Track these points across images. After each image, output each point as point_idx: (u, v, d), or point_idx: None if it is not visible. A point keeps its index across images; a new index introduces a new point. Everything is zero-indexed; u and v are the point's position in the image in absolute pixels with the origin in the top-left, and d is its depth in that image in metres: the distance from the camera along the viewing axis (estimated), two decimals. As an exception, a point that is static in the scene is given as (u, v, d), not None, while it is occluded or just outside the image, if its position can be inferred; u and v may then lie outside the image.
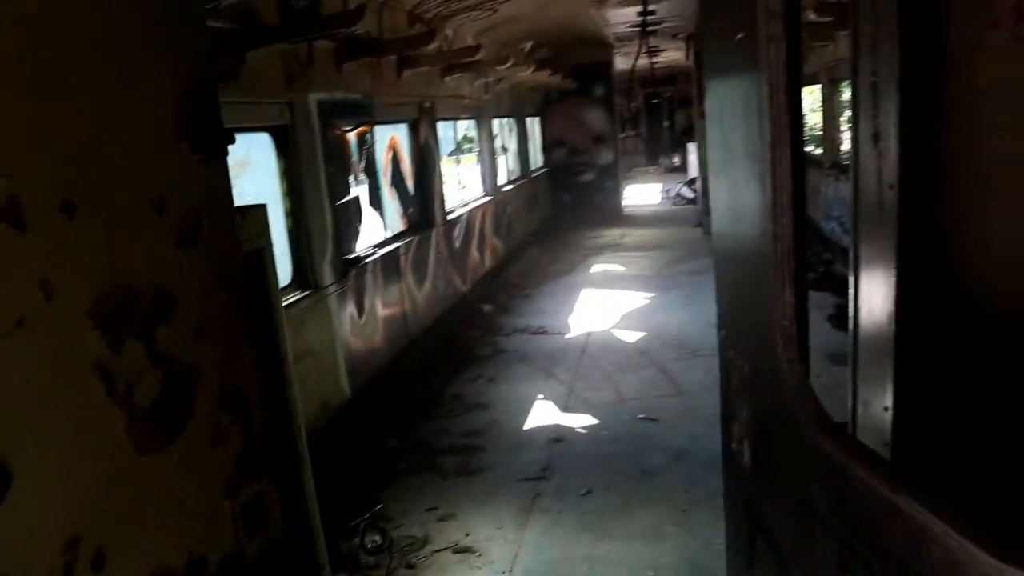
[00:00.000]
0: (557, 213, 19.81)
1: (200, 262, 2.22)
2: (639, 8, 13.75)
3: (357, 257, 7.91)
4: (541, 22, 13.65)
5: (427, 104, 10.15)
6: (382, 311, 8.33)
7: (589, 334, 10.21)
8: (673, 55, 24.67)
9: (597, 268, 14.45)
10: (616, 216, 20.05)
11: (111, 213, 1.88)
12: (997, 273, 2.81)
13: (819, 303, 10.67)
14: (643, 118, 37.27)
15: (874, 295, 2.77)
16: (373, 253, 8.30)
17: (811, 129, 16.57)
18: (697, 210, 20.57)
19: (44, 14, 1.73)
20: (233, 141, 2.43)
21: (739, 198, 2.49)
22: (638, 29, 16.79)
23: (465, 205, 12.19)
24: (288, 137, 6.52)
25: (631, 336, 9.98)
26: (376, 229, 8.66)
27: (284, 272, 6.57)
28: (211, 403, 2.20)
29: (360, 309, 7.82)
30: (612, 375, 8.62)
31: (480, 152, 13.39)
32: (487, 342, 10.18)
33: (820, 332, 9.34)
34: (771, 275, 2.10)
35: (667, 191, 24.78)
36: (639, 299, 11.83)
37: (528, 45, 15.61)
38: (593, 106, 19.68)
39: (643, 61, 25.82)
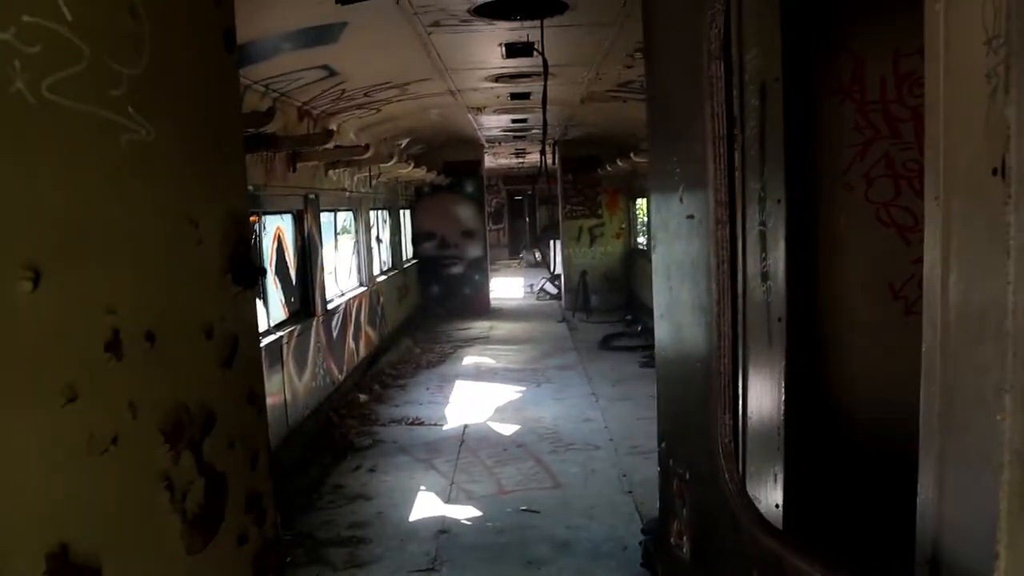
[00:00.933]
0: (427, 304, 20.09)
1: (235, 381, 2.42)
2: (513, 116, 14.57)
3: (242, 346, 7.86)
4: (420, 122, 14.20)
5: (312, 196, 10.32)
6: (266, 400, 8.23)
7: (466, 426, 10.40)
8: (536, 157, 25.94)
9: (468, 360, 14.73)
10: (484, 309, 20.53)
11: (178, 340, 2.08)
12: (858, 399, 3.33)
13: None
14: (506, 213, 38.55)
15: (764, 410, 3.19)
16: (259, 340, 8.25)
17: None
18: (560, 306, 21.41)
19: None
20: (265, 273, 2.70)
21: (684, 338, 2.87)
22: (509, 133, 17.70)
23: (343, 295, 12.28)
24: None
25: (507, 429, 10.25)
26: (260, 317, 8.63)
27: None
28: (238, 507, 2.36)
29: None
30: (492, 467, 8.82)
31: (357, 243, 13.58)
32: (365, 432, 10.18)
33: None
34: (712, 402, 2.44)
35: (531, 286, 25.62)
36: (511, 392, 12.16)
37: (404, 141, 16.12)
38: (463, 201, 20.33)
39: (513, 160, 27.03)
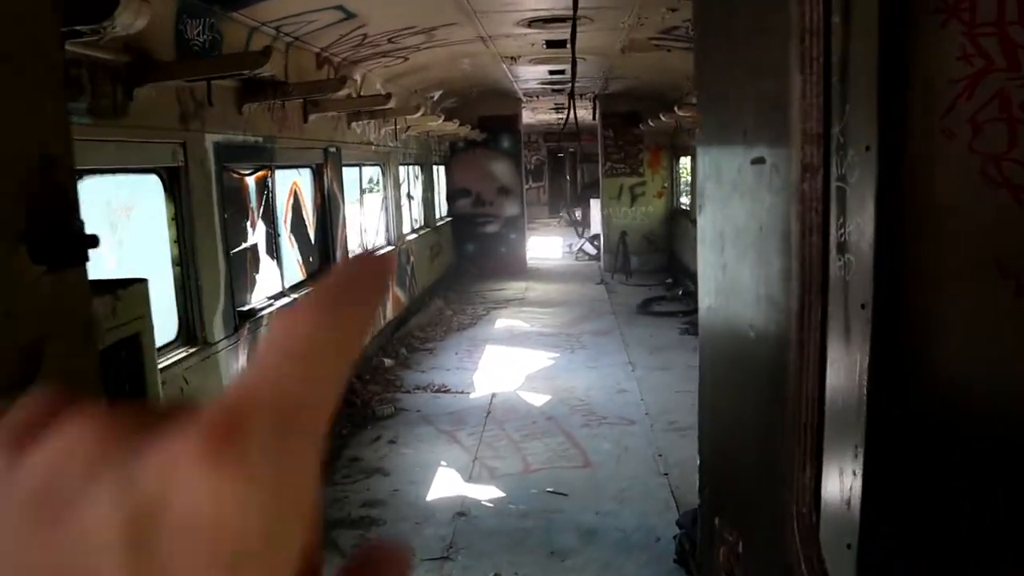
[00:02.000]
0: (460, 263, 19.52)
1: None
2: (549, 67, 13.75)
3: (252, 310, 7.36)
4: (451, 73, 13.47)
5: (332, 149, 9.72)
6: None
7: (494, 395, 9.84)
8: (578, 113, 25.01)
9: (501, 323, 14.15)
10: (520, 269, 19.90)
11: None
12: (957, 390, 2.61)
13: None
14: (546, 171, 37.70)
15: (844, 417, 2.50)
16: (270, 305, 7.75)
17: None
18: (599, 267, 20.69)
19: None
20: (96, 244, 1.89)
21: (743, 342, 2.15)
22: (547, 86, 16.87)
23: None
24: (180, 180, 5.98)
25: (537, 399, 9.67)
26: (274, 279, 8.11)
27: (170, 327, 5.99)
28: None
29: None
30: (518, 442, 8.26)
31: (385, 200, 12.99)
32: (388, 399, 9.68)
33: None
34: (786, 448, 1.75)
35: (570, 246, 24.89)
36: (544, 359, 11.57)
37: (437, 94, 15.41)
38: (500, 158, 19.61)
39: (553, 116, 26.15)
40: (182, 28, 5.90)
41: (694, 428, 9.06)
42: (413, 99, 13.85)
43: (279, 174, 8.24)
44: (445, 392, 10.07)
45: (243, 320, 7.01)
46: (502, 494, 7.02)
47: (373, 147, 11.84)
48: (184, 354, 5.92)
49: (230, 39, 6.61)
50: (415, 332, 13.04)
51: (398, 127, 12.77)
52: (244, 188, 7.48)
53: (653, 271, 19.39)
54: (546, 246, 25.96)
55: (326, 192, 9.52)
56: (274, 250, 8.08)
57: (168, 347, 5.84)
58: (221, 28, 6.46)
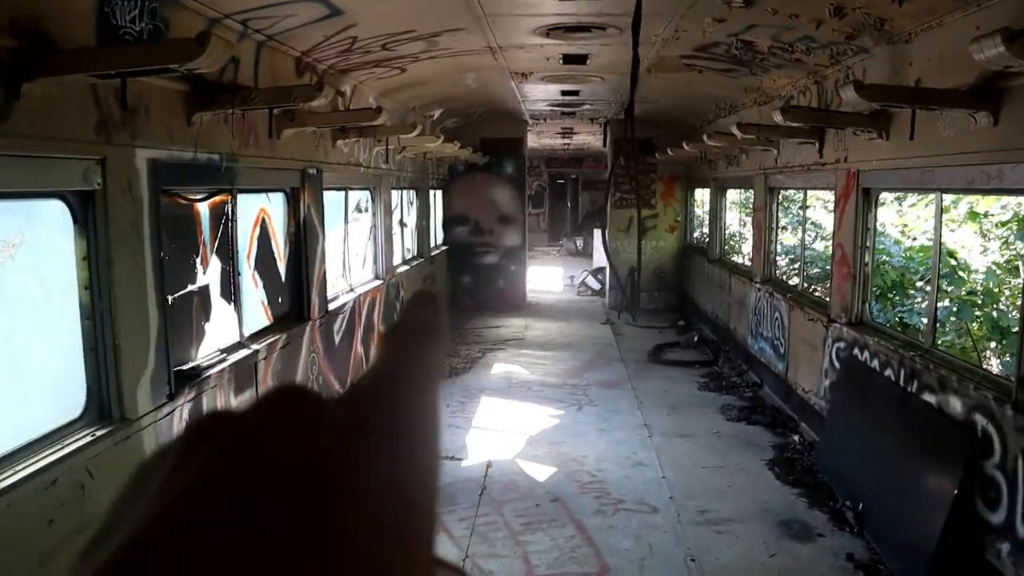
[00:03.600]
0: (456, 296, 18.12)
1: None
2: (563, 86, 12.43)
3: (196, 368, 5.93)
4: (454, 89, 12.14)
5: (312, 171, 8.33)
6: (226, 435, 6.32)
7: (490, 464, 8.40)
8: (584, 138, 23.77)
9: (499, 368, 12.72)
10: (519, 304, 18.50)
11: None
12: None
13: (751, 440, 9.25)
14: (547, 197, 36.43)
15: None
16: (222, 359, 6.32)
17: (735, 237, 15.62)
18: (604, 304, 19.29)
19: None
20: None
21: None
22: (556, 109, 15.57)
23: (351, 290, 10.31)
24: (96, 207, 4.57)
25: (540, 472, 8.24)
26: (230, 327, 6.69)
27: (74, 401, 4.57)
28: None
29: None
30: (519, 533, 6.80)
31: (374, 228, 11.59)
32: (363, 467, 8.22)
33: (760, 484, 7.86)
34: None
35: (571, 278, 23.50)
36: (547, 417, 10.14)
37: (437, 112, 14.08)
38: (502, 183, 18.27)
39: (558, 141, 24.88)
40: (108, 11, 4.52)
41: (731, 520, 7.70)
42: (411, 116, 12.51)
43: (243, 200, 6.84)
44: (433, 457, 8.61)
45: (182, 383, 5.58)
46: (499, 615, 5.57)
47: (362, 169, 10.46)
48: (89, 438, 4.48)
49: (180, 31, 5.22)
50: (402, 378, 11.58)
51: (391, 147, 11.40)
52: (193, 217, 6.07)
53: (663, 310, 18.02)
54: (546, 277, 24.56)
55: (302, 220, 8.12)
56: (231, 292, 6.65)
57: (66, 430, 4.40)
58: (167, 16, 5.08)
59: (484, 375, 12.32)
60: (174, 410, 5.41)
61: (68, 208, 4.47)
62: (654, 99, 13.99)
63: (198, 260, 6.15)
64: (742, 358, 12.58)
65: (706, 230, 17.95)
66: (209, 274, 6.30)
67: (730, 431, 9.57)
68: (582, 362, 13.22)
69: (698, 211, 18.45)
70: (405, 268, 13.45)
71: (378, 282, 11.47)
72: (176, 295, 5.72)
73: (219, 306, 6.47)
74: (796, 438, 9.16)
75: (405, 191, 13.95)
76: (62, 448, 4.24)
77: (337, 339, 9.36)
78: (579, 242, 32.69)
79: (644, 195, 18.41)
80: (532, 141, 24.47)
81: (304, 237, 8.17)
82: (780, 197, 11.63)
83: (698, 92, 12.36)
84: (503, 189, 18.29)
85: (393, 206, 12.82)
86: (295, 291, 8.17)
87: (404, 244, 13.87)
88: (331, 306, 9.16)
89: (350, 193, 10.39)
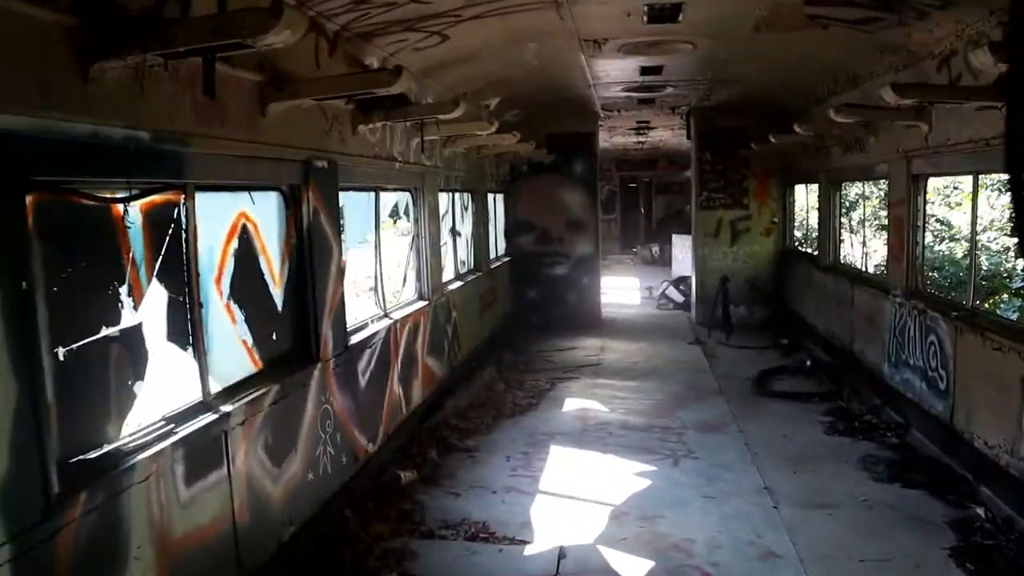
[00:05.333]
0: (521, 314, 15.97)
1: None
2: (642, 59, 10.19)
3: (109, 456, 3.91)
4: (510, 68, 10.02)
5: (321, 163, 6.31)
6: (177, 536, 4.30)
7: (562, 553, 6.21)
8: (661, 134, 21.40)
9: (570, 405, 10.51)
10: (593, 321, 16.26)
11: None
12: None
13: (916, 512, 6.86)
14: (618, 202, 34.06)
15: None
16: (165, 433, 4.30)
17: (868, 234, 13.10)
18: (689, 319, 16.90)
19: None
20: None
21: None
22: (633, 95, 13.31)
23: (384, 316, 8.25)
24: None
25: (631, 567, 6.00)
26: (187, 381, 4.67)
27: None
28: None
29: (120, 546, 3.82)
30: None
31: (417, 238, 9.54)
32: (395, 554, 6.14)
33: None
34: None
35: (649, 289, 21.12)
36: (633, 476, 7.89)
37: (493, 101, 11.98)
38: (571, 186, 16.07)
39: (631, 139, 22.57)
40: None
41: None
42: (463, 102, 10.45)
43: (207, 201, 4.81)
44: (486, 539, 6.48)
45: (77, 483, 3.57)
46: None
47: (397, 165, 8.42)
48: None
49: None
50: (452, 420, 9.47)
51: (436, 138, 9.37)
52: (111, 225, 4.06)
53: (759, 326, 15.55)
54: (621, 289, 22.27)
55: (306, 229, 6.09)
56: (187, 331, 4.63)
57: None
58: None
59: (554, 414, 10.12)
60: (56, 533, 3.39)
61: None
62: (747, 77, 11.64)
63: (122, 289, 4.13)
64: (873, 390, 10.09)
65: (809, 232, 15.44)
66: (145, 309, 4.28)
67: (883, 497, 7.16)
68: (672, 395, 10.91)
69: (798, 211, 15.94)
70: (458, 284, 11.37)
71: (422, 303, 9.40)
72: (75, 345, 3.71)
73: (163, 354, 4.44)
74: (980, 511, 6.70)
75: (458, 194, 11.90)
76: None
77: (364, 380, 7.30)
78: (655, 249, 30.24)
79: (735, 193, 15.98)
80: (603, 140, 22.25)
81: (310, 251, 6.13)
82: (927, 187, 9.13)
83: (810, 61, 9.98)
84: (572, 192, 16.08)
85: (442, 211, 10.78)
86: (298, 323, 6.13)
87: (457, 256, 11.81)
88: (354, 339, 7.11)
89: (382, 194, 8.33)
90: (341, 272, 6.76)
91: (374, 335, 7.61)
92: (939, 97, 6.99)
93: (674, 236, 23.67)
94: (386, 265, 8.56)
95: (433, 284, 9.75)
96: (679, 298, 18.94)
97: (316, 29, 6.14)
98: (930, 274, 9.83)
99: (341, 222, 6.77)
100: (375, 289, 8.27)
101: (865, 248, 14.25)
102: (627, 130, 19.95)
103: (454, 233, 11.61)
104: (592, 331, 15.60)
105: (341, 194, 6.89)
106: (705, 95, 13.59)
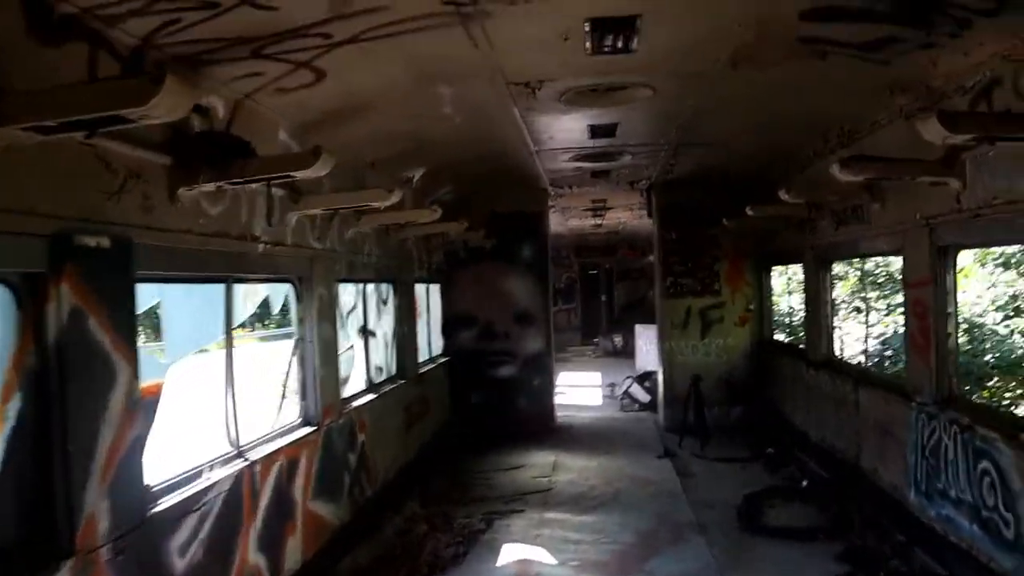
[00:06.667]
0: (462, 423, 13.59)
1: None
2: (592, 114, 8.25)
3: None
4: (424, 126, 8.01)
5: (93, 241, 4.09)
6: None
7: None
8: (619, 216, 19.59)
9: (508, 556, 8.11)
10: (546, 429, 13.93)
11: None
12: None
13: None
14: (578, 290, 32.16)
15: None
16: None
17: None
18: (656, 424, 14.64)
19: None
20: None
21: None
22: (585, 165, 11.40)
23: (237, 457, 5.90)
24: None
25: None
26: None
27: None
28: None
29: None
30: None
31: (302, 344, 7.27)
32: None
33: None
34: None
35: (612, 387, 18.88)
36: None
37: (416, 173, 9.94)
38: (517, 273, 13.98)
39: (588, 221, 20.73)
40: None
41: None
42: (370, 175, 8.38)
43: None
44: None
45: None
46: None
47: (262, 247, 6.20)
48: None
49: None
50: (347, 588, 7.03)
51: (331, 212, 7.24)
52: None
53: (737, 430, 13.38)
54: (581, 387, 20.03)
55: (52, 344, 3.81)
56: None
57: None
58: None
59: (486, 569, 7.70)
60: None
61: None
62: (717, 137, 9.78)
63: None
64: (896, 523, 7.87)
65: (791, 320, 13.46)
66: None
67: None
68: (639, 535, 8.55)
69: (777, 297, 14.00)
70: (370, 398, 9.04)
71: (307, 430, 7.06)
72: None
73: None
74: None
75: (372, 284, 9.71)
76: None
77: (183, 563, 4.90)
78: (617, 340, 28.17)
79: (705, 278, 14.00)
80: (558, 224, 20.43)
81: (61, 376, 3.85)
82: (956, 263, 7.12)
83: (796, 113, 8.13)
84: (520, 280, 13.99)
85: (348, 307, 8.58)
86: (32, 493, 3.79)
87: (370, 362, 9.51)
88: (164, 503, 4.75)
89: (235, 286, 6.08)
90: (136, 403, 4.45)
91: (207, 489, 5.24)
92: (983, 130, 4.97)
93: (637, 327, 21.66)
94: (250, 381, 6.26)
95: (326, 403, 7.43)
96: (644, 397, 16.71)
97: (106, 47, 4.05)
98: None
99: (134, 326, 4.50)
100: (228, 418, 5.93)
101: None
102: (582, 211, 18.10)
103: (366, 333, 9.35)
104: (544, 442, 13.25)
105: (159, 287, 4.67)
106: (668, 166, 11.71)
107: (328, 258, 7.65)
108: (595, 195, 15.09)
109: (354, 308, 9.08)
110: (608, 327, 30.34)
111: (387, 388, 9.80)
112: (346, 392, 8.47)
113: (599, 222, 20.65)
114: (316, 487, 7.14)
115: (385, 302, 10.30)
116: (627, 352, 24.61)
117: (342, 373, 8.31)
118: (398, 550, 8.05)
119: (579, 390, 19.64)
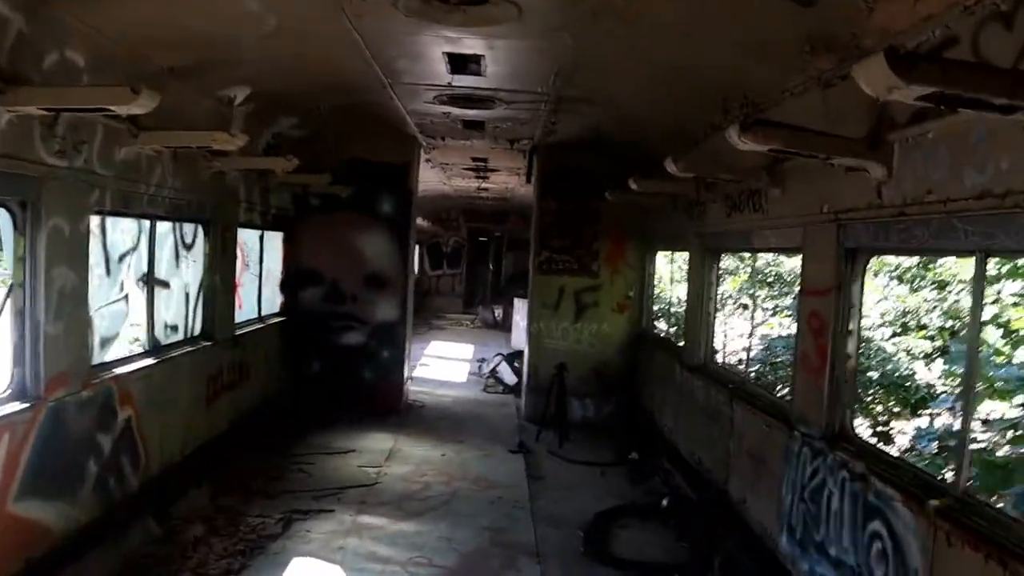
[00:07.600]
0: (296, 395, 11.85)
1: None
2: (442, 39, 6.62)
3: None
4: (232, 30, 6.19)
5: None
6: None
7: None
8: (506, 180, 18.02)
9: (297, 568, 6.52)
10: (392, 407, 12.36)
11: None
12: None
13: None
14: (464, 256, 30.65)
15: None
16: None
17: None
18: (519, 412, 13.29)
19: None
20: None
21: None
22: (452, 111, 9.78)
23: None
24: None
25: None
26: None
27: None
28: None
29: None
30: None
31: (21, 292, 5.42)
32: None
33: None
34: None
35: (481, 363, 17.43)
36: None
37: (239, 94, 8.08)
38: (374, 229, 12.25)
39: (472, 183, 19.12)
40: None
41: None
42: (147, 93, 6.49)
43: None
44: None
45: None
46: None
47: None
48: None
49: None
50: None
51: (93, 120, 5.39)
52: None
53: (604, 428, 12.17)
54: (448, 358, 18.58)
55: None
56: None
57: None
58: None
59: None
60: None
61: None
62: (604, 95, 8.32)
63: None
64: (760, 569, 6.69)
65: (673, 311, 12.24)
66: None
67: None
68: (462, 559, 7.08)
69: (661, 284, 12.78)
70: (148, 363, 7.22)
71: (14, 406, 5.26)
72: None
73: None
74: None
75: (164, 223, 7.84)
76: None
77: None
78: (497, 312, 26.85)
79: (583, 256, 12.64)
80: (440, 182, 18.74)
81: None
82: (871, 267, 5.86)
83: (694, 65, 6.70)
84: (376, 236, 12.27)
85: (124, 247, 6.72)
86: None
87: (155, 319, 7.65)
88: None
89: None
90: None
91: None
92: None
93: (516, 300, 20.28)
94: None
95: (56, 369, 5.62)
96: (511, 379, 15.37)
97: None
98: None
99: None
100: None
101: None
102: (464, 169, 16.43)
103: (151, 282, 7.49)
104: (387, 423, 11.69)
105: None
106: (549, 124, 10.20)
107: (75, 182, 5.78)
108: (474, 152, 13.47)
109: (134, 250, 7.24)
110: (492, 297, 28.95)
111: (180, 351, 8.00)
112: (105, 356, 6.65)
113: (483, 184, 19.05)
114: (27, 483, 5.34)
115: (189, 247, 8.45)
116: (507, 326, 23.29)
117: (102, 332, 6.49)
118: (150, 561, 6.33)
119: (446, 363, 18.17)
